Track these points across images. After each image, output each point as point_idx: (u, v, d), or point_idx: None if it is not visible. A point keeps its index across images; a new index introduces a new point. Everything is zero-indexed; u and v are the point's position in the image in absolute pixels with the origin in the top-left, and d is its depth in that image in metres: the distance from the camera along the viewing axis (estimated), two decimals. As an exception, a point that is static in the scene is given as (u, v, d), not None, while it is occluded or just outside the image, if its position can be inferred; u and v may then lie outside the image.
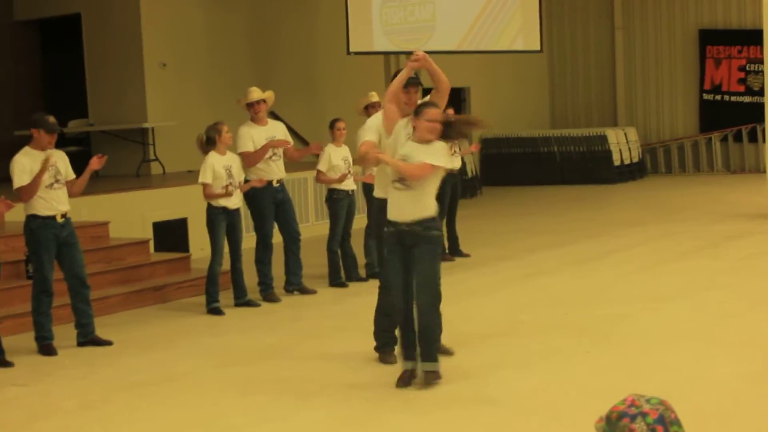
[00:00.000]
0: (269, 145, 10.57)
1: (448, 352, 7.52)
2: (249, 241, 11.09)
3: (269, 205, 10.70)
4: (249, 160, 10.56)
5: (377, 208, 7.53)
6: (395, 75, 7.60)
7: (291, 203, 10.99)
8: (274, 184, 10.73)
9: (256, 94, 10.69)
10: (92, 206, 12.10)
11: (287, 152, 10.91)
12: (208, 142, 10.07)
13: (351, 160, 11.37)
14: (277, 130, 10.85)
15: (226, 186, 9.96)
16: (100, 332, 8.95)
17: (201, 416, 6.66)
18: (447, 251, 12.37)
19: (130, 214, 12.89)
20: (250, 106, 10.68)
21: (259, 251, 10.76)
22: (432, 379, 6.94)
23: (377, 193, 7.61)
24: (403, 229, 6.90)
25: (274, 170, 10.73)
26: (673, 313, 9.06)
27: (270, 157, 10.67)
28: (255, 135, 10.60)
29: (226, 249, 10.22)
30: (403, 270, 6.96)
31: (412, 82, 7.42)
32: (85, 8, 16.88)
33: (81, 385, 7.62)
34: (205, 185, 9.97)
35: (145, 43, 16.43)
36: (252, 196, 10.65)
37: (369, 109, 11.74)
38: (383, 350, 7.68)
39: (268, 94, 10.78)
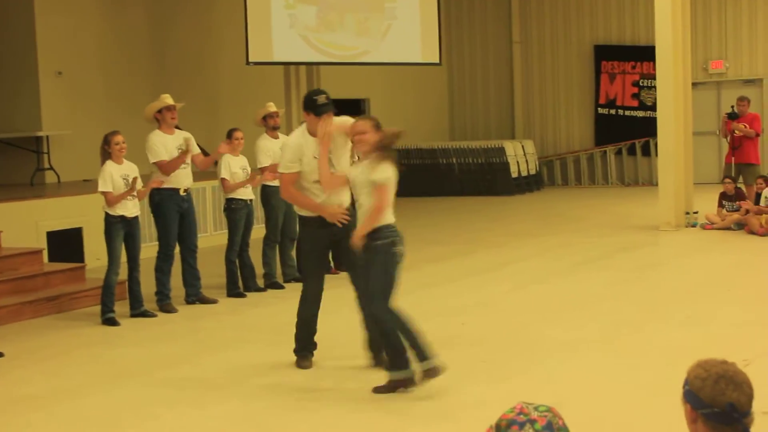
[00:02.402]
0: (183, 157, 10.45)
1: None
2: (150, 250, 10.98)
3: (174, 214, 10.57)
4: (166, 168, 10.42)
5: (300, 223, 8.01)
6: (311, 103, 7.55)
7: (194, 214, 10.89)
8: (181, 192, 10.62)
9: (170, 99, 10.59)
10: (-16, 215, 11.87)
11: (195, 161, 10.81)
12: (102, 153, 9.96)
13: (249, 169, 11.33)
14: (184, 138, 10.75)
15: (132, 187, 9.86)
16: (-8, 344, 8.78)
17: (96, 430, 6.57)
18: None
19: (23, 224, 12.65)
20: (165, 111, 10.53)
21: (159, 260, 10.64)
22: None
23: (301, 210, 7.83)
24: None
25: (182, 179, 10.62)
26: (569, 323, 9.20)
27: None
28: (166, 142, 10.49)
29: (124, 258, 10.10)
30: None
31: (326, 111, 7.47)
32: (-22, 14, 16.57)
33: (-29, 398, 7.46)
34: (105, 194, 9.84)
35: (39, 51, 16.16)
36: (157, 204, 10.54)
37: (267, 119, 11.75)
38: (302, 356, 7.91)
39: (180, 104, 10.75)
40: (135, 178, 9.94)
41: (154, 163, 10.44)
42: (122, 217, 9.93)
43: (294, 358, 7.90)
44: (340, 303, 8.65)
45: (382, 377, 7.13)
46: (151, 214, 10.71)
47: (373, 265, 7.01)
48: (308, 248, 7.81)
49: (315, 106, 7.47)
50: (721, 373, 2.90)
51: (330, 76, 19.32)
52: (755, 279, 11.39)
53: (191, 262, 10.86)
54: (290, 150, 7.60)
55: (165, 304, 10.55)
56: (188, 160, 10.65)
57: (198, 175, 11.90)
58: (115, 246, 9.96)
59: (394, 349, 7.03)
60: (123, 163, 10.02)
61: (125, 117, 16.10)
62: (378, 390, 7.04)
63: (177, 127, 10.74)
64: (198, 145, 11.00)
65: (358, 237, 6.99)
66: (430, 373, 6.98)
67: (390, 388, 7.03)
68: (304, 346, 7.86)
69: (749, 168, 16.20)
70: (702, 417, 2.89)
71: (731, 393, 2.87)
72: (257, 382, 7.50)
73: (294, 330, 7.90)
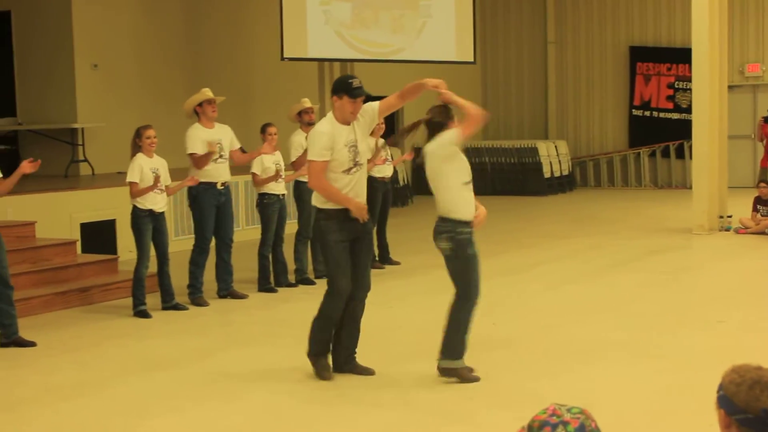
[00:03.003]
0: (211, 151, 10.48)
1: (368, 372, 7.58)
2: (182, 244, 10.99)
3: (211, 207, 10.60)
4: (197, 162, 10.48)
5: (323, 217, 7.38)
6: (342, 86, 7.35)
7: (231, 208, 10.92)
8: (219, 186, 10.64)
9: (210, 93, 10.60)
10: (19, 206, 11.95)
11: (233, 155, 10.83)
12: (133, 146, 10.01)
13: (282, 164, 11.34)
14: (224, 132, 10.77)
15: (155, 183, 9.89)
16: (24, 333, 8.82)
17: (124, 421, 6.60)
18: (377, 259, 12.39)
19: (57, 215, 12.74)
20: (206, 104, 10.55)
21: (195, 253, 10.68)
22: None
23: (317, 202, 7.42)
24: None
25: (220, 172, 10.64)
26: (599, 325, 9.16)
27: (216, 159, 10.58)
28: (205, 137, 10.51)
29: (153, 251, 10.15)
30: None
31: (361, 94, 7.31)
32: (16, 6, 16.66)
33: (2, 387, 7.51)
34: (132, 184, 9.88)
35: (76, 44, 16.25)
36: (195, 197, 10.60)
37: (302, 115, 11.76)
38: (322, 360, 7.53)
39: (220, 99, 10.77)
40: (157, 176, 9.95)
41: (188, 154, 10.48)
42: (150, 212, 9.97)
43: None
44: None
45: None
46: (189, 207, 10.77)
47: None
48: (337, 238, 7.32)
49: (350, 88, 7.25)
50: (756, 378, 2.88)
51: (364, 73, 19.24)
52: (789, 284, 11.31)
53: (225, 257, 10.88)
54: (324, 137, 7.24)
55: (197, 298, 10.59)
56: (226, 154, 10.68)
57: (230, 170, 11.93)
58: (144, 239, 10.01)
59: (462, 338, 7.34)
60: (153, 158, 10.05)
61: (160, 110, 16.19)
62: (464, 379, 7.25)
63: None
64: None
65: (451, 97, 7.23)
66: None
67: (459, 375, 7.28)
68: (325, 349, 7.51)
69: (784, 173, 16.08)
70: (736, 422, 2.87)
71: (766, 399, 2.84)
72: (285, 378, 7.50)
73: (313, 328, 7.51)
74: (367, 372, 7.50)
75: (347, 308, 7.48)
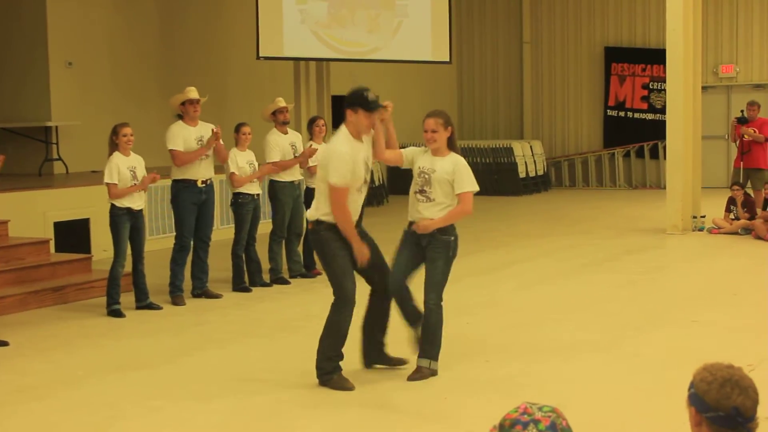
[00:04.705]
0: (202, 152, 10.51)
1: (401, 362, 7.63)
2: (161, 242, 10.96)
3: (190, 205, 10.60)
4: (179, 158, 10.48)
5: (323, 228, 7.15)
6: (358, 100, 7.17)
7: (212, 206, 10.90)
8: (199, 184, 10.64)
9: (193, 93, 10.61)
10: (-9, 204, 11.88)
11: (220, 153, 10.81)
12: (110, 144, 9.97)
13: (256, 164, 11.33)
14: (206, 130, 10.73)
15: (142, 183, 9.90)
16: (-3, 333, 8.79)
17: (97, 421, 6.57)
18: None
19: (30, 214, 12.66)
20: (188, 104, 10.57)
21: (175, 251, 10.69)
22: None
23: (318, 214, 7.17)
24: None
25: (200, 170, 10.63)
26: (573, 325, 9.18)
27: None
28: (186, 134, 10.53)
29: (130, 250, 10.11)
30: (407, 266, 7.48)
31: (378, 107, 7.16)
32: (-10, 3, 16.57)
33: (-25, 387, 7.47)
34: (110, 185, 9.85)
35: (50, 41, 16.16)
36: (175, 195, 10.62)
37: (277, 115, 11.74)
38: (339, 375, 7.22)
39: (204, 99, 10.77)
40: (145, 177, 9.95)
41: (169, 150, 10.48)
42: (128, 209, 9.94)
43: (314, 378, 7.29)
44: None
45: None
46: (171, 205, 10.79)
47: (439, 259, 7.41)
48: (341, 246, 7.13)
49: (366, 102, 7.07)
50: (727, 377, 2.90)
51: (340, 72, 19.30)
52: (761, 284, 11.36)
53: (202, 255, 10.86)
54: (347, 158, 6.98)
55: (176, 296, 10.57)
56: (210, 152, 10.67)
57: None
58: (121, 238, 9.97)
59: (435, 340, 7.38)
60: (130, 155, 10.02)
61: (134, 109, 16.13)
62: (413, 378, 7.26)
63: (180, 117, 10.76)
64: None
65: (430, 228, 7.33)
66: (433, 372, 7.34)
67: (423, 375, 7.28)
68: (339, 363, 7.20)
69: (758, 173, 16.16)
70: (707, 420, 2.89)
71: (736, 397, 2.86)
72: (261, 377, 7.51)
73: (324, 347, 7.20)
74: (400, 362, 7.54)
75: (381, 304, 7.46)
